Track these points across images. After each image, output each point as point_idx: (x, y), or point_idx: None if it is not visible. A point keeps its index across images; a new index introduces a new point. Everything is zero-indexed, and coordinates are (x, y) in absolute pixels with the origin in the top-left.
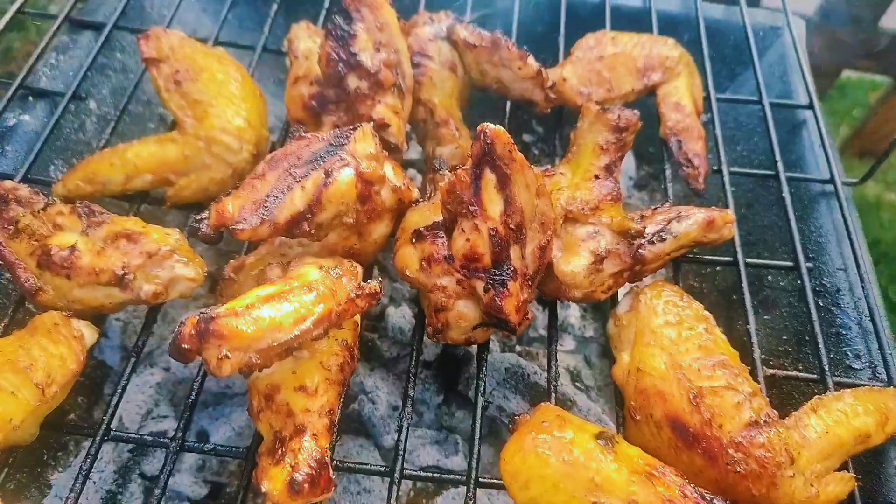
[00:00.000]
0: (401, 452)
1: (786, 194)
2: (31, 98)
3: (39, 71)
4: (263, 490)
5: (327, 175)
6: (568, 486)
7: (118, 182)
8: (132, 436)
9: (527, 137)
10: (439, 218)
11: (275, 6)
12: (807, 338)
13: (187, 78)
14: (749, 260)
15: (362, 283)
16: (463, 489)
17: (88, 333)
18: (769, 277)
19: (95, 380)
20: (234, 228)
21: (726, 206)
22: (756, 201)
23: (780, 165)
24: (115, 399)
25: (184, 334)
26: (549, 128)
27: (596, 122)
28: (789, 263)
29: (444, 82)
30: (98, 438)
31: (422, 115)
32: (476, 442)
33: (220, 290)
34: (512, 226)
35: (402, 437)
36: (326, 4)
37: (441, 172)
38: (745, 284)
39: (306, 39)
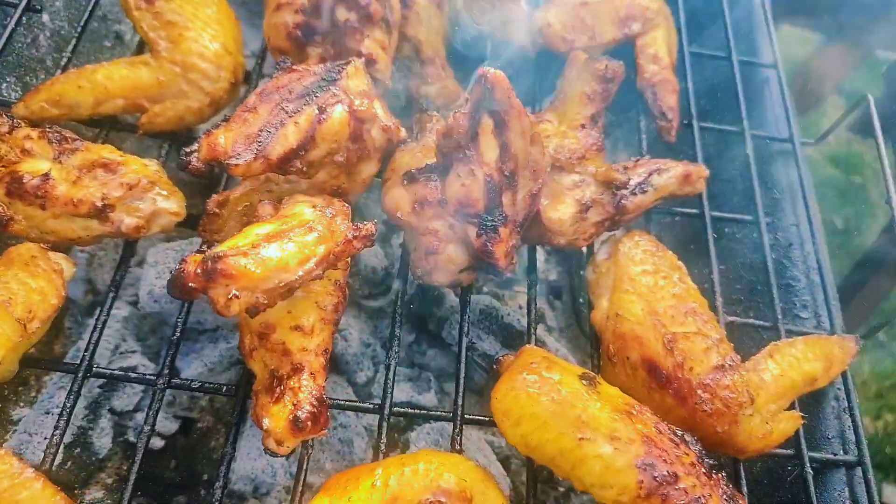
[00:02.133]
0: (389, 391)
1: (750, 152)
2: None
3: None
4: (265, 427)
5: (321, 111)
6: (557, 424)
7: (87, 105)
8: (115, 372)
9: None
10: (431, 161)
11: None
12: (759, 287)
13: None
14: (714, 213)
15: (358, 224)
16: (432, 425)
17: (66, 266)
18: (725, 229)
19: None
20: (227, 164)
21: (695, 160)
22: (718, 155)
23: (745, 123)
24: (95, 335)
25: (188, 272)
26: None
27: (583, 72)
28: (749, 218)
29: (430, 19)
30: (80, 375)
31: (406, 52)
32: (461, 381)
33: (204, 225)
34: (506, 172)
35: (391, 376)
36: None
37: (429, 113)
38: (710, 237)
39: None
